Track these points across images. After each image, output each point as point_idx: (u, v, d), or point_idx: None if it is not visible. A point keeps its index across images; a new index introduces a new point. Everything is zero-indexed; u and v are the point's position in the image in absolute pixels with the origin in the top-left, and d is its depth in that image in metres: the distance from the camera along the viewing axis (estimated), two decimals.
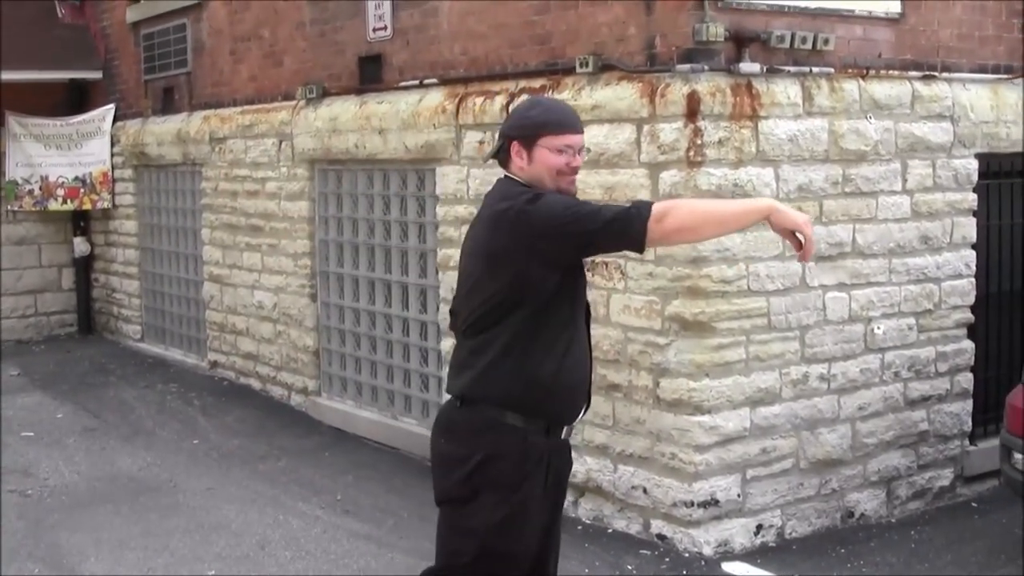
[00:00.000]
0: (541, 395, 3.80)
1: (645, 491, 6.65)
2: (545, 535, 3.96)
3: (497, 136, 4.06)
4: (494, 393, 3.81)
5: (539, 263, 3.75)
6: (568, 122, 3.92)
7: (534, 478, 3.82)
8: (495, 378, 3.81)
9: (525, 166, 3.89)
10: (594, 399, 6.73)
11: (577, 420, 3.99)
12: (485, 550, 3.82)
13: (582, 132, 3.96)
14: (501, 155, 3.97)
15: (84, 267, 13.97)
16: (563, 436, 3.94)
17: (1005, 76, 7.69)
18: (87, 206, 13.45)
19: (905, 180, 7.15)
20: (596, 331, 6.78)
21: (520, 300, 3.77)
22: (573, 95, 6.90)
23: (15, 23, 12.98)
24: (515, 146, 3.90)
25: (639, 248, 3.72)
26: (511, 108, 4.09)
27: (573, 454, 6.49)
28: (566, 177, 3.87)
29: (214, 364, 11.28)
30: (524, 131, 3.90)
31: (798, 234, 3.73)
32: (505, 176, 3.97)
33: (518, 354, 3.79)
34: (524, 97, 7.21)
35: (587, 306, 4.01)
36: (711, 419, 6.41)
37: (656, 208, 3.67)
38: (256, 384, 10.56)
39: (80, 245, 13.83)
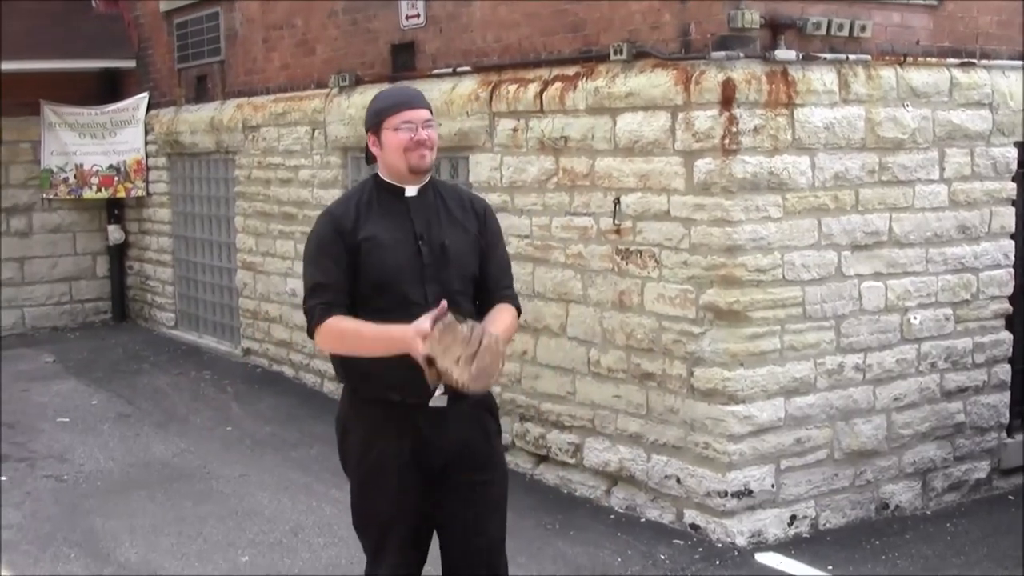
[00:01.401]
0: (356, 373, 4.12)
1: (678, 480, 6.62)
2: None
3: None
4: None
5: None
6: (403, 100, 4.09)
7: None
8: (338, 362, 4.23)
9: (380, 153, 4.10)
10: (627, 388, 6.81)
11: (441, 391, 3.96)
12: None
13: (423, 107, 4.07)
14: (368, 153, 4.17)
15: (118, 255, 14.04)
16: (434, 403, 3.99)
17: None
18: (121, 194, 13.51)
19: (943, 169, 7.08)
20: (630, 320, 6.79)
21: None
22: (607, 82, 6.87)
23: (50, 13, 13.05)
24: (370, 139, 4.12)
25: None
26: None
27: (606, 443, 6.50)
28: (413, 152, 4.01)
29: (247, 351, 11.31)
30: (370, 122, 4.10)
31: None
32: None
33: None
34: (557, 85, 7.19)
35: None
36: (745, 409, 6.37)
37: (324, 322, 3.94)
38: (289, 371, 10.59)
39: (114, 233, 13.90)
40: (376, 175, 4.16)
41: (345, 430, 4.20)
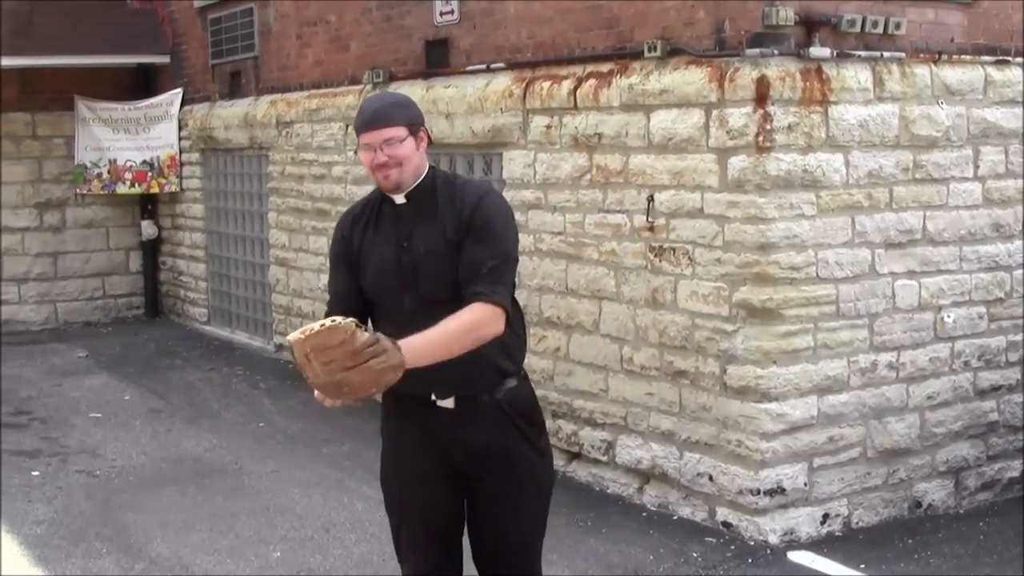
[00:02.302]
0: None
1: (711, 478, 6.62)
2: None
3: None
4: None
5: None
6: (363, 120, 3.96)
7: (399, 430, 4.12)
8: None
9: None
10: (660, 385, 6.81)
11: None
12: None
13: (381, 126, 3.90)
14: None
15: (151, 250, 14.12)
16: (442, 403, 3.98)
17: None
18: (155, 189, 13.58)
19: (977, 166, 7.05)
20: (663, 317, 6.79)
21: None
22: (641, 79, 6.87)
23: (84, 8, 13.13)
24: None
25: None
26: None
27: (638, 440, 6.48)
28: (377, 173, 3.93)
29: (280, 347, 11.36)
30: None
31: None
32: None
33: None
34: (591, 82, 7.19)
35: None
36: (778, 407, 6.36)
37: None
38: None
39: (147, 228, 13.97)
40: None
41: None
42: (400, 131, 3.93)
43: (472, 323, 3.78)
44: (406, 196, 3.98)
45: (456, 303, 3.81)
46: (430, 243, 3.94)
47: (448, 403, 3.97)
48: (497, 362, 4.03)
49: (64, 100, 13.33)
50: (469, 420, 3.99)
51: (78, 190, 13.59)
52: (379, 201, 4.06)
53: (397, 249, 3.96)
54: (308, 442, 8.59)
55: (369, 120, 3.95)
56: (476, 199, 3.96)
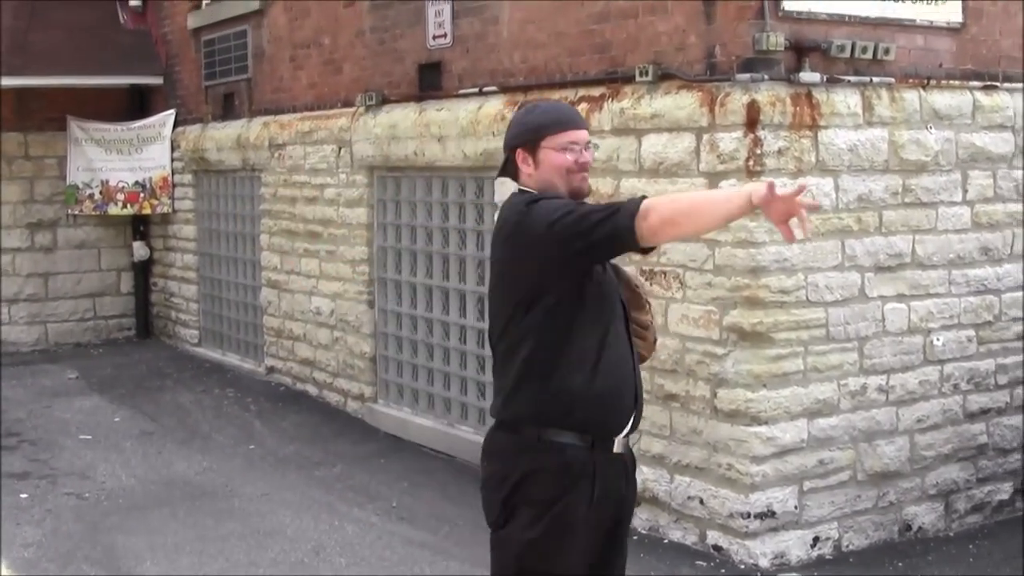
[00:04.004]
0: (574, 407, 3.66)
1: (701, 502, 6.63)
2: (599, 556, 3.79)
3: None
4: (526, 411, 3.72)
5: (545, 271, 3.63)
6: (568, 119, 3.81)
7: (574, 494, 3.66)
8: (525, 396, 3.72)
9: (533, 172, 3.78)
10: (651, 408, 6.82)
11: (626, 431, 3.79)
12: (524, 571, 3.70)
13: (585, 128, 3.83)
14: (509, 168, 3.87)
15: (143, 271, 14.13)
16: (616, 449, 3.75)
17: None
18: (147, 211, 13.60)
19: (965, 191, 7.09)
20: None
21: (536, 312, 3.67)
22: (632, 104, 6.91)
23: (79, 29, 13.17)
24: (520, 154, 3.80)
25: (632, 245, 3.53)
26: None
27: None
28: (576, 175, 3.74)
29: (271, 369, 11.36)
30: (525, 137, 3.79)
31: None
32: (518, 189, 3.84)
33: (544, 368, 3.68)
34: (583, 106, 7.23)
35: (625, 311, 3.84)
36: (768, 430, 6.38)
37: (643, 205, 3.47)
38: (313, 390, 10.63)
39: (139, 249, 13.98)
40: (521, 190, 3.82)
41: (530, 473, 3.70)
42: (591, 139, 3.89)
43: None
44: None
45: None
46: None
47: (622, 447, 3.76)
48: None
49: (57, 120, 13.36)
50: (629, 464, 3.86)
51: (70, 210, 13.59)
52: None
53: (603, 266, 3.78)
54: (299, 464, 8.59)
55: (576, 118, 3.86)
56: None
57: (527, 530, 3.68)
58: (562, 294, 3.66)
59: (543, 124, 3.76)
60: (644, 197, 3.53)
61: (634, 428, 3.85)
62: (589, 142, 3.82)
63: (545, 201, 3.65)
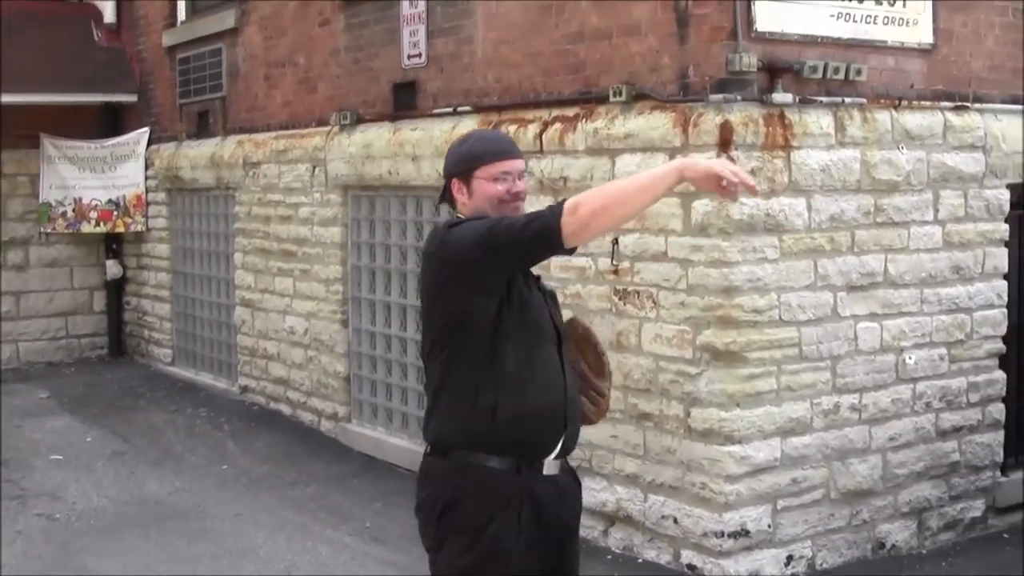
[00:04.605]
0: (499, 430, 3.65)
1: (675, 521, 6.64)
2: None
3: None
4: (454, 435, 3.72)
5: (471, 291, 3.65)
6: (501, 149, 3.85)
7: (504, 520, 3.64)
8: (453, 419, 3.72)
9: (467, 201, 3.83)
10: (624, 428, 6.83)
11: (556, 453, 3.76)
12: None
13: (519, 157, 3.87)
14: (447, 197, 3.92)
15: (116, 290, 14.04)
16: (547, 472, 3.73)
17: None
18: (120, 229, 13.53)
19: (937, 210, 7.14)
20: (628, 360, 6.82)
21: (462, 335, 3.68)
22: (606, 124, 6.93)
23: (52, 46, 13.12)
24: (455, 184, 3.85)
25: (561, 246, 3.55)
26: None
27: (603, 483, 6.49)
28: (509, 204, 3.78)
29: (244, 389, 11.32)
30: (460, 167, 3.84)
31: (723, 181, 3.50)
32: (449, 216, 3.91)
33: (471, 391, 3.67)
34: (557, 126, 7.25)
35: (557, 331, 3.85)
36: (742, 449, 6.39)
37: (568, 202, 3.52)
38: (286, 409, 10.60)
39: (112, 268, 13.90)
40: (460, 220, 3.80)
41: (457, 499, 3.71)
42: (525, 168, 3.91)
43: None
44: None
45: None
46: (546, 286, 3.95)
47: (554, 468, 3.75)
48: None
49: (30, 138, 13.26)
50: (568, 484, 3.85)
51: (42, 229, 13.51)
52: None
53: (536, 288, 3.84)
54: (272, 485, 8.56)
55: (512, 148, 3.90)
56: None
57: (460, 557, 3.68)
58: (486, 317, 3.66)
59: (476, 154, 3.82)
60: (565, 199, 3.57)
61: (566, 451, 3.82)
62: (523, 171, 3.86)
63: (467, 223, 3.70)
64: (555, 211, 3.53)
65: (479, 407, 3.67)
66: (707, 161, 3.59)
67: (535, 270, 3.85)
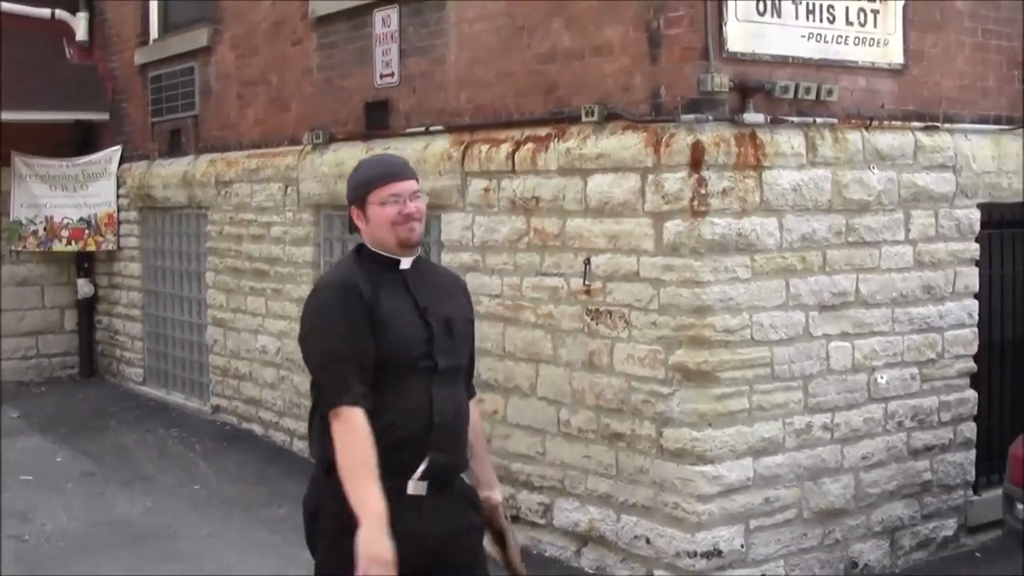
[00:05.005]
0: None
1: (648, 541, 6.63)
2: None
3: None
4: (319, 449, 3.91)
5: None
6: (391, 172, 3.95)
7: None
8: (318, 435, 3.93)
9: (365, 227, 3.96)
10: (596, 448, 6.83)
11: (419, 474, 3.84)
12: None
13: (411, 178, 3.96)
14: (352, 226, 4.05)
15: (87, 309, 13.95)
16: (411, 491, 3.84)
17: (1006, 127, 7.74)
18: (91, 247, 13.46)
19: (908, 230, 7.17)
20: (600, 380, 6.81)
21: None
22: (578, 144, 6.94)
23: (23, 63, 13.03)
24: (354, 211, 3.98)
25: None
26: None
27: (576, 503, 6.47)
28: (402, 226, 3.90)
29: (216, 408, 11.27)
30: (355, 194, 3.97)
31: None
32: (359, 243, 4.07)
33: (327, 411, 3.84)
34: (529, 145, 7.25)
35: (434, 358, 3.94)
36: (714, 469, 6.39)
37: (351, 408, 3.73)
38: (258, 429, 10.54)
39: (83, 287, 13.81)
40: (363, 247, 4.01)
41: (316, 515, 3.95)
42: (419, 188, 4.00)
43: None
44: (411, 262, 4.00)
45: (468, 373, 4.12)
46: (455, 312, 4.02)
47: (421, 489, 3.86)
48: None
49: (1, 156, 13.18)
50: (438, 509, 3.92)
51: (13, 247, 13.41)
52: (367, 268, 3.94)
53: (420, 315, 3.91)
54: (244, 505, 8.51)
55: (399, 169, 3.98)
56: (465, 283, 4.26)
57: (325, 558, 3.90)
58: None
59: (367, 180, 3.95)
60: (346, 399, 3.75)
61: (438, 474, 3.90)
62: (417, 192, 3.95)
63: (323, 294, 3.91)
64: (330, 403, 3.77)
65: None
66: (362, 550, 3.59)
67: (454, 257, 3.92)
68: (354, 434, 3.73)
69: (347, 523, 3.70)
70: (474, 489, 4.14)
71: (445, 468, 3.91)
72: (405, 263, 3.97)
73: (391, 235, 3.91)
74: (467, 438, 4.07)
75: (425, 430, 3.85)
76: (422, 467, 3.84)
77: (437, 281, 4.09)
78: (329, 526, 3.85)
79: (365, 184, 3.94)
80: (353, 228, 4.05)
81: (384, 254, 3.96)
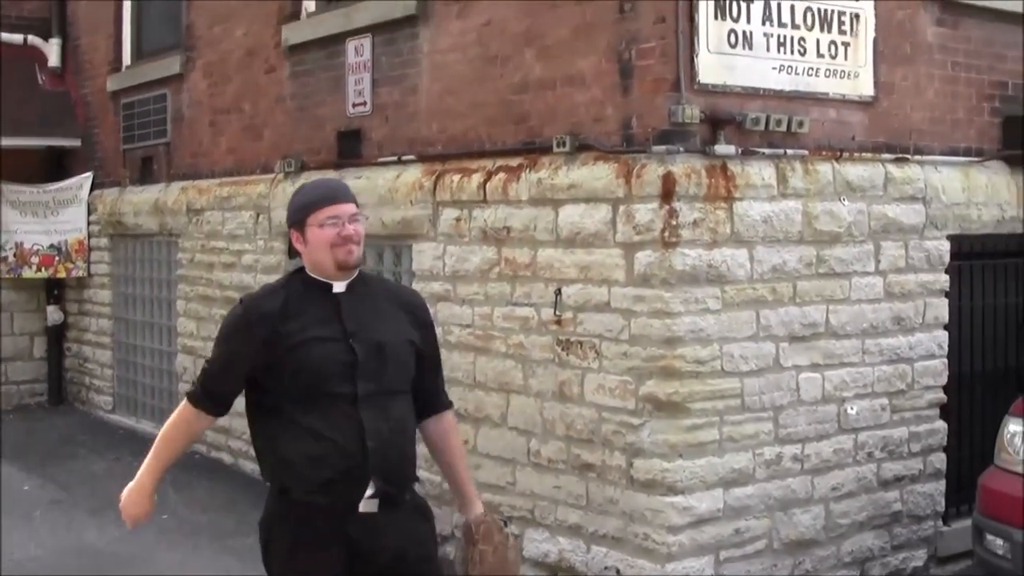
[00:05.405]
0: (275, 467, 4.03)
1: (618, 572, 6.61)
2: None
3: None
4: (263, 467, 4.16)
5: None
6: (329, 195, 4.04)
7: (277, 540, 4.05)
8: (264, 460, 4.17)
9: (305, 250, 4.04)
10: (567, 479, 6.81)
11: (369, 494, 3.95)
12: None
13: (349, 201, 4.05)
14: (292, 250, 4.14)
15: (56, 336, 13.85)
16: (363, 509, 3.96)
17: (976, 159, 7.79)
18: (62, 274, 13.39)
19: (878, 261, 7.20)
20: (570, 410, 6.80)
21: (252, 385, 4.06)
22: (550, 174, 6.95)
23: None
24: (294, 235, 4.06)
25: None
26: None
27: (545, 534, 6.45)
28: (340, 248, 3.96)
29: None
30: (294, 218, 4.05)
31: None
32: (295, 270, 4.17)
33: (259, 432, 4.09)
34: (501, 175, 7.26)
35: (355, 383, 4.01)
36: (684, 500, 6.38)
37: (187, 405, 4.16)
38: (227, 458, 10.48)
39: (53, 313, 13.73)
40: (301, 270, 4.10)
41: (270, 534, 4.09)
42: (358, 210, 4.06)
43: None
44: (346, 285, 4.04)
45: (407, 395, 4.08)
46: (391, 336, 4.02)
47: (372, 507, 3.93)
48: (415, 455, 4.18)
49: None
50: (390, 524, 3.98)
51: None
52: (297, 291, 4.02)
53: (345, 340, 3.94)
54: (213, 534, 8.44)
55: (336, 192, 4.06)
56: (420, 299, 4.30)
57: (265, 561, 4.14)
58: (258, 374, 4.01)
59: (306, 203, 4.03)
60: (192, 398, 4.18)
61: (383, 495, 3.98)
62: (356, 214, 4.02)
63: (227, 319, 4.15)
64: (192, 395, 4.17)
65: (257, 444, 4.12)
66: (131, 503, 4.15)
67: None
68: (176, 419, 4.14)
69: (299, 540, 3.88)
70: (426, 502, 4.22)
71: (388, 491, 3.97)
72: (339, 287, 4.02)
73: (329, 257, 3.96)
74: (411, 455, 4.12)
75: (362, 456, 3.88)
76: (369, 491, 3.90)
77: (376, 304, 4.09)
78: (281, 545, 4.00)
79: (304, 207, 4.01)
80: (294, 252, 4.12)
81: (318, 278, 4.03)
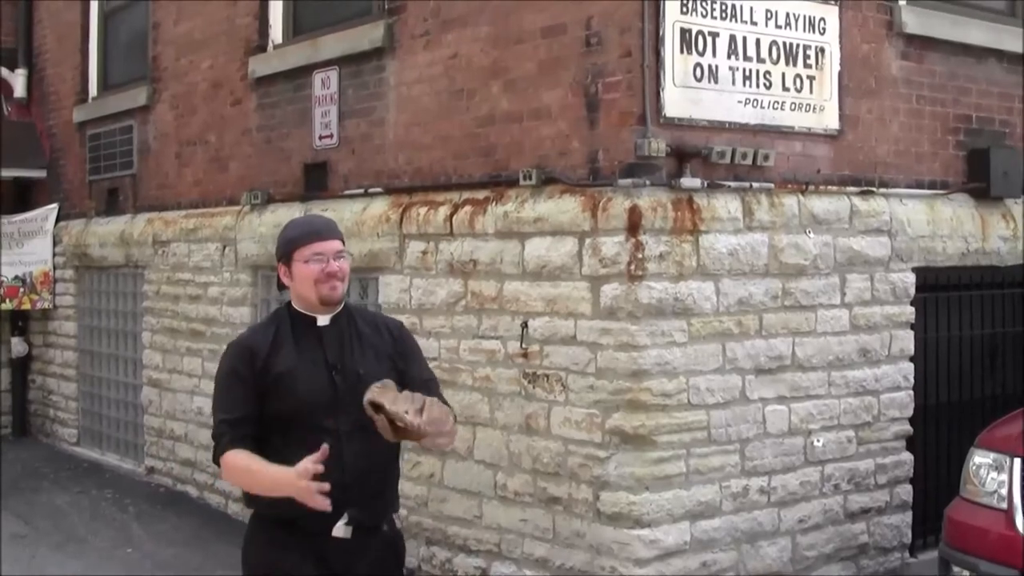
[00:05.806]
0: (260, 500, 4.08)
1: None
2: None
3: None
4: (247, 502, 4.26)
5: None
6: (315, 231, 4.15)
7: (253, 556, 4.18)
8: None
9: (291, 284, 4.17)
10: (533, 512, 6.79)
11: (344, 521, 4.02)
12: None
13: (335, 238, 4.16)
14: (280, 283, 4.26)
15: (21, 368, 13.75)
16: (336, 534, 4.02)
17: (941, 191, 7.85)
18: (26, 306, 13.27)
19: (844, 294, 7.23)
20: (537, 443, 6.78)
21: None
22: (516, 207, 6.95)
23: None
24: (281, 269, 4.19)
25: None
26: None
27: (512, 567, 6.44)
28: (324, 284, 4.07)
29: (151, 470, 11.10)
30: (281, 252, 4.17)
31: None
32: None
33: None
34: (467, 208, 7.26)
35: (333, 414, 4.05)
36: (651, 533, 6.37)
37: (223, 458, 4.04)
38: (193, 491, 10.40)
39: (17, 345, 13.62)
40: (289, 304, 4.21)
41: (247, 552, 4.21)
42: (343, 248, 4.15)
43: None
44: (330, 319, 4.14)
45: None
46: (370, 365, 4.07)
47: (345, 532, 4.01)
48: (395, 487, 4.27)
49: None
50: (362, 552, 4.06)
51: None
52: (285, 325, 4.15)
53: (328, 372, 4.04)
54: (179, 569, 8.37)
55: (323, 229, 4.16)
56: (397, 323, 4.34)
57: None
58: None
59: (293, 238, 4.15)
60: (231, 443, 4.04)
61: (357, 524, 4.05)
62: (341, 252, 4.13)
63: (225, 359, 4.19)
64: (219, 448, 4.07)
65: None
66: (305, 492, 3.78)
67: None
68: (237, 467, 4.00)
69: (275, 559, 4.04)
70: (401, 536, 4.30)
71: (362, 522, 4.05)
72: (323, 320, 4.13)
73: (313, 292, 4.08)
74: (392, 486, 4.23)
75: (341, 488, 3.89)
76: (343, 520, 3.98)
77: (360, 335, 4.17)
78: (255, 570, 4.16)
79: (291, 242, 4.12)
80: (281, 286, 4.22)
81: (304, 312, 4.14)
